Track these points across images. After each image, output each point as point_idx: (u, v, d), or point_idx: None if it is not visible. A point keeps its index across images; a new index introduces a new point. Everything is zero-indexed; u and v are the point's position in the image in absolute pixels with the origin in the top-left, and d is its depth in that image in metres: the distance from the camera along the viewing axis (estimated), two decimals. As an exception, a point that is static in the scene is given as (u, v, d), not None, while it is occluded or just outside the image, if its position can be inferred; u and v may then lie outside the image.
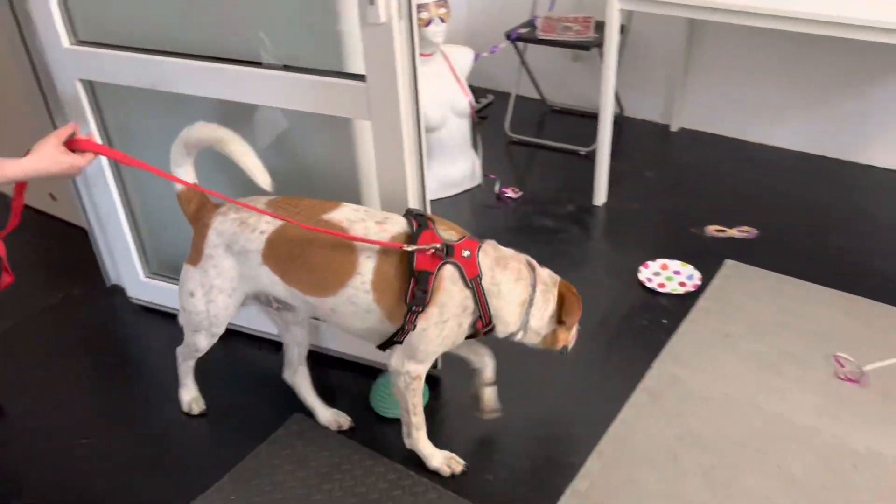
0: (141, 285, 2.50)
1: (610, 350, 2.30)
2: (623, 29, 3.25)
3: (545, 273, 1.78)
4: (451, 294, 1.65)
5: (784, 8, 2.36)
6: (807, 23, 2.33)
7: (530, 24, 3.37)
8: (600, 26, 3.01)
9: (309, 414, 2.06)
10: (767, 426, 1.99)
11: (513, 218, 3.01)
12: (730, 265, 2.63)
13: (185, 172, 1.80)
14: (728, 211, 2.89)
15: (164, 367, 2.17)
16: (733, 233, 2.77)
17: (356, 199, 2.02)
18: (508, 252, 1.76)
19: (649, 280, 2.55)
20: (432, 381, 2.17)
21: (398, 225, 1.69)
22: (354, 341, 2.12)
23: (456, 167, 3.06)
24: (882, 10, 2.28)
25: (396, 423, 1.98)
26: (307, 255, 1.69)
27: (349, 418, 2.06)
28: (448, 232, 1.71)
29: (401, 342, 1.71)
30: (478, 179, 3.19)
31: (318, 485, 1.87)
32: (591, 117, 3.06)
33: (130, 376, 2.32)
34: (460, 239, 1.70)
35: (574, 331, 1.88)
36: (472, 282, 1.66)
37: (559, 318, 1.78)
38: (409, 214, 1.72)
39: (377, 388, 2.11)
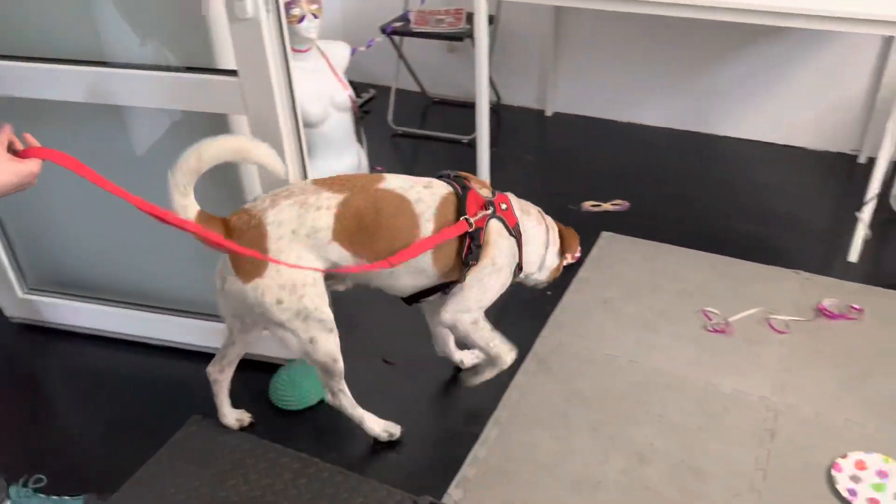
0: (19, 303, 2.40)
1: (500, 324, 2.39)
2: (492, 19, 3.38)
3: (548, 218, 2.03)
4: (500, 246, 1.83)
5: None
6: (662, 5, 2.50)
7: (404, 17, 3.45)
8: (471, 17, 3.11)
9: (208, 414, 2.05)
10: (647, 379, 2.14)
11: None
12: (606, 236, 2.79)
13: (192, 201, 1.62)
14: (602, 187, 3.06)
15: (52, 383, 2.11)
16: (607, 206, 2.94)
17: (240, 196, 2.02)
18: (524, 201, 1.97)
19: (533, 256, 2.67)
20: (331, 369, 2.21)
21: (442, 188, 1.80)
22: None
23: (342, 162, 3.08)
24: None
25: (297, 414, 2.01)
26: (375, 227, 1.73)
27: (249, 414, 2.06)
28: (483, 189, 1.85)
29: (446, 293, 1.88)
30: (365, 172, 3.24)
31: (222, 482, 1.87)
32: (471, 107, 3.15)
33: (14, 397, 2.23)
34: (494, 194, 1.86)
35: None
36: (515, 230, 1.86)
37: (562, 251, 2.04)
38: (445, 177, 1.83)
39: (276, 382, 2.12)
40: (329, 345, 1.77)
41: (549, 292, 2.51)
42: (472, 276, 1.82)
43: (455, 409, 2.13)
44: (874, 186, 2.41)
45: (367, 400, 2.08)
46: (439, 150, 3.51)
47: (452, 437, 2.00)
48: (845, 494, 1.77)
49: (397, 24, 3.37)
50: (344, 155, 3.16)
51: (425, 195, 1.76)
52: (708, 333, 2.31)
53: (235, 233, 1.66)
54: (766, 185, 3.12)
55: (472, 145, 3.28)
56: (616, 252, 2.71)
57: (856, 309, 2.36)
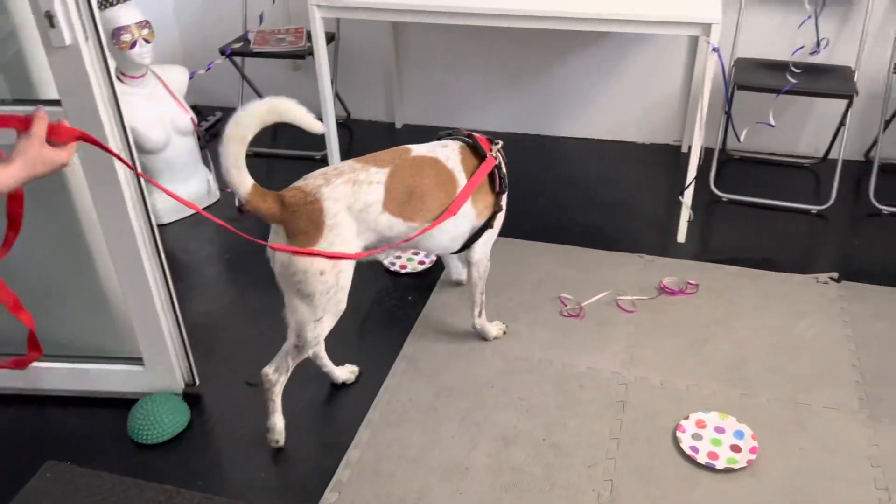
0: None
1: (367, 333, 2.44)
2: (333, 36, 3.43)
3: None
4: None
5: (469, 6, 2.65)
6: (489, 17, 2.64)
7: (244, 38, 3.42)
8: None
9: (63, 459, 1.94)
10: (510, 366, 2.25)
11: (258, 227, 3.03)
12: (463, 238, 2.90)
13: (246, 174, 1.73)
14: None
15: None
16: (461, 209, 3.05)
17: (79, 235, 1.95)
18: None
19: (392, 264, 2.73)
20: (193, 399, 2.15)
21: (455, 143, 2.05)
22: (92, 377, 2.06)
23: (189, 186, 3.02)
24: (555, 1, 2.65)
25: (159, 447, 1.96)
26: (423, 190, 1.92)
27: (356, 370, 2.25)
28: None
29: (478, 238, 2.13)
30: (216, 196, 3.18)
31: (84, 524, 1.78)
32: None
33: None
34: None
35: None
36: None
37: None
38: (449, 135, 2.09)
39: (134, 416, 2.05)
40: (325, 329, 1.91)
41: (409, 297, 2.58)
42: (498, 219, 2.16)
43: (328, 421, 2.13)
44: (691, 172, 2.65)
45: (237, 425, 2.05)
46: (292, 168, 3.48)
47: (327, 447, 2.00)
48: (689, 452, 1.93)
49: (237, 45, 3.34)
50: (190, 179, 3.10)
51: (449, 153, 2.00)
52: (563, 318, 2.45)
53: (290, 208, 1.78)
54: (604, 178, 3.34)
55: (324, 161, 3.30)
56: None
57: (692, 284, 2.58)
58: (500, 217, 2.17)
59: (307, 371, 2.24)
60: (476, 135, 2.09)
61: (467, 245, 2.15)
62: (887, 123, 3.00)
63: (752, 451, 1.93)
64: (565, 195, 3.20)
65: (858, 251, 2.78)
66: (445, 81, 3.70)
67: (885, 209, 2.96)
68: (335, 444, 2.00)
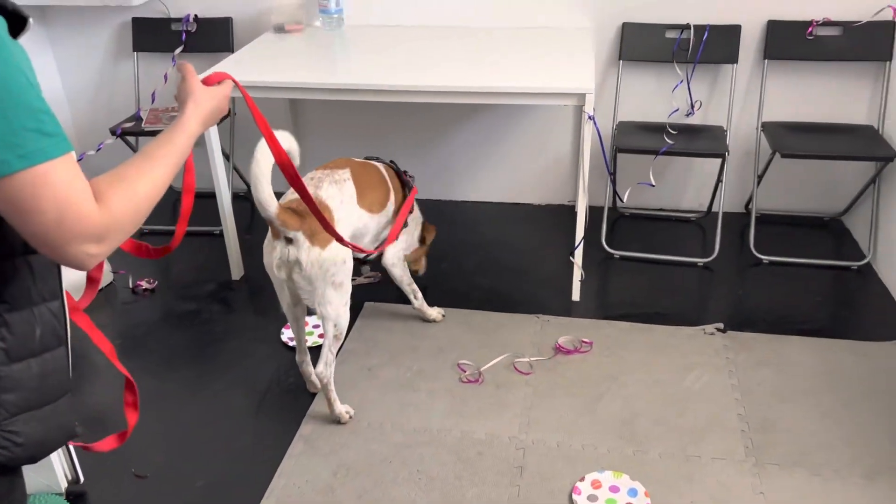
0: None
1: (264, 414, 2.39)
2: (229, 112, 3.44)
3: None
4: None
5: (354, 82, 2.72)
6: (375, 92, 2.69)
7: (136, 117, 3.39)
8: (205, 112, 3.14)
9: None
10: (408, 439, 2.24)
11: (153, 308, 2.97)
12: (368, 307, 2.91)
13: (273, 199, 2.04)
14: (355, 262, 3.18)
15: None
16: (361, 280, 3.06)
17: None
18: None
19: (291, 339, 2.70)
20: (76, 498, 2.06)
21: (380, 162, 2.60)
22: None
23: (72, 272, 2.93)
24: (445, 75, 2.74)
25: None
26: (371, 183, 2.40)
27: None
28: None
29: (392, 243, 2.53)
30: (109, 278, 3.10)
31: None
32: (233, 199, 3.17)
33: None
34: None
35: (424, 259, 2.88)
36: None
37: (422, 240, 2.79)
38: (374, 158, 2.60)
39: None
40: (348, 315, 2.27)
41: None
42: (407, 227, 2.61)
43: (222, 508, 2.07)
44: (579, 233, 2.75)
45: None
46: (193, 245, 3.44)
47: (219, 538, 1.94)
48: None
49: (128, 125, 3.31)
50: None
51: (379, 165, 2.53)
52: (463, 384, 2.47)
53: (305, 214, 2.08)
54: (502, 240, 3.42)
55: (222, 235, 3.27)
56: (377, 320, 2.82)
57: (586, 342, 2.65)
58: (409, 235, 2.69)
59: (196, 464, 2.18)
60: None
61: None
62: (760, 178, 3.20)
63: (646, 508, 1.97)
64: (466, 259, 3.26)
65: (742, 301, 2.92)
66: (343, 152, 3.73)
67: (765, 259, 3.13)
68: (228, 535, 1.94)
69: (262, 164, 1.96)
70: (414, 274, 2.78)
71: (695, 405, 2.34)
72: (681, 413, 2.31)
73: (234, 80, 1.43)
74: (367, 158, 2.55)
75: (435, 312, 2.80)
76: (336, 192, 2.22)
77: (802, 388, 2.40)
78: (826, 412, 2.29)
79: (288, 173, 1.63)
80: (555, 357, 2.58)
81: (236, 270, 3.12)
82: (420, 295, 2.75)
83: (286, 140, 1.97)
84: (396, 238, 2.51)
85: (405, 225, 2.57)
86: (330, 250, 2.12)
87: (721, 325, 2.71)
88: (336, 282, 2.16)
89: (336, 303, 2.19)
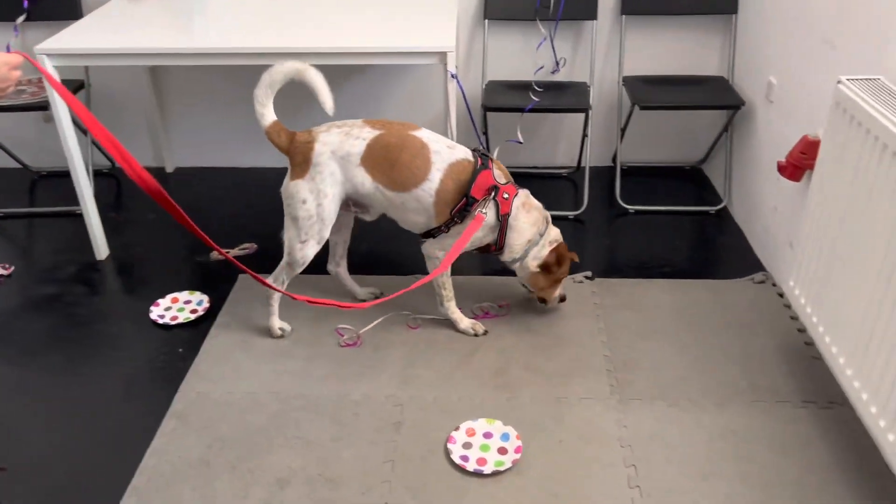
0: None
1: (133, 394, 2.32)
2: (83, 84, 3.26)
3: (554, 231, 2.46)
4: (485, 222, 2.31)
5: (218, 46, 2.62)
6: (245, 56, 2.60)
7: (-23, 92, 3.16)
8: (54, 84, 2.96)
9: None
10: (285, 406, 2.23)
11: (10, 295, 2.81)
12: (242, 279, 2.84)
13: (269, 111, 2.29)
14: (229, 234, 3.11)
15: None
16: (236, 252, 3.00)
17: None
18: (536, 203, 2.43)
19: (161, 317, 2.62)
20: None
21: (463, 153, 2.32)
22: None
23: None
24: (307, 37, 2.69)
25: None
26: (396, 159, 2.26)
27: (378, 290, 2.70)
28: (499, 173, 2.35)
29: (434, 237, 2.39)
30: (-41, 266, 2.90)
31: None
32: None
33: None
34: (506, 183, 2.35)
35: (558, 292, 2.54)
36: (502, 218, 2.34)
37: (546, 267, 2.44)
38: (476, 151, 2.34)
39: None
40: (310, 252, 2.37)
41: (180, 349, 2.49)
42: (455, 229, 2.34)
43: (86, 498, 1.99)
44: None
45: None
46: (52, 226, 3.27)
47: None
48: (459, 462, 2.02)
49: (-32, 100, 3.08)
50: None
51: (445, 152, 2.30)
52: (342, 349, 2.47)
53: (294, 145, 2.28)
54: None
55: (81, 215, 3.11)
56: (252, 293, 2.76)
57: (503, 305, 2.66)
58: (459, 229, 2.34)
59: (63, 452, 2.10)
60: (491, 169, 2.33)
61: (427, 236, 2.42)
62: (623, 131, 3.33)
63: (517, 450, 2.04)
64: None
65: (610, 249, 3.04)
66: (213, 121, 3.63)
67: (631, 209, 3.27)
68: (97, 519, 1.88)
69: (275, 73, 2.20)
70: (541, 301, 2.58)
71: (564, 350, 2.44)
72: (550, 358, 2.40)
73: (25, 56, 1.55)
74: (474, 150, 2.35)
75: (467, 323, 2.53)
76: (337, 141, 2.26)
77: (662, 327, 2.54)
78: (683, 348, 2.44)
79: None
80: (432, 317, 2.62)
81: (100, 250, 2.98)
82: (450, 302, 2.51)
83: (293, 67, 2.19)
84: (457, 253, 2.27)
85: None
86: (294, 185, 2.28)
87: (589, 273, 2.83)
88: (291, 215, 2.32)
89: (290, 235, 2.35)
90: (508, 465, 2.00)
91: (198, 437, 2.12)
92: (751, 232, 3.04)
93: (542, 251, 2.43)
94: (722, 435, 2.10)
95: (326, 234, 2.37)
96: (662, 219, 3.23)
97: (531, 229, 2.40)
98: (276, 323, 2.51)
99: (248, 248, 3.02)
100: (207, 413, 2.21)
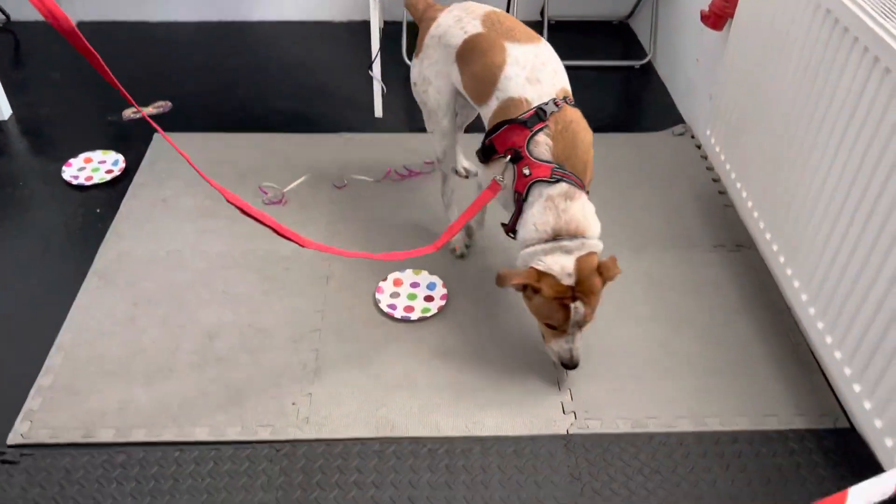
0: None
1: (51, 256, 2.26)
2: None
3: (569, 263, 1.72)
4: (499, 192, 1.86)
5: None
6: None
7: None
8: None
9: None
10: (211, 264, 2.22)
11: None
12: (159, 138, 2.74)
13: None
14: (141, 91, 2.95)
15: None
16: (150, 110, 2.87)
17: None
18: (576, 209, 1.76)
19: (75, 177, 2.52)
20: None
21: (535, 94, 1.81)
22: None
23: None
24: None
25: None
26: (473, 68, 1.91)
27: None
28: (547, 146, 1.77)
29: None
30: None
31: None
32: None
33: None
34: (549, 162, 1.77)
35: (553, 343, 1.82)
36: (516, 195, 1.83)
37: (524, 286, 1.77)
38: (554, 102, 1.80)
39: None
40: (437, 145, 2.17)
41: (98, 210, 2.42)
42: (484, 172, 1.95)
43: (8, 358, 1.97)
44: (374, 45, 2.70)
45: None
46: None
47: (11, 383, 1.87)
48: (387, 310, 2.07)
49: None
50: None
51: (517, 82, 1.82)
52: (266, 207, 2.45)
53: (423, 17, 2.08)
54: (303, 61, 3.29)
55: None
56: (170, 151, 2.67)
57: (428, 163, 2.64)
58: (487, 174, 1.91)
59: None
60: (540, 164, 1.76)
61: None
62: (551, -17, 3.24)
63: (443, 298, 2.11)
64: (264, 83, 3.12)
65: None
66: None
67: (558, 64, 3.24)
68: (22, 377, 1.87)
69: None
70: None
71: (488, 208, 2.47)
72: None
73: None
74: (560, 99, 1.81)
75: (458, 238, 2.24)
76: (447, 24, 1.99)
77: (586, 180, 2.59)
78: (605, 201, 2.50)
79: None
80: (382, 180, 2.58)
81: (2, 110, 2.81)
82: (452, 209, 2.30)
83: None
84: (460, 225, 1.89)
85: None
86: (413, 66, 2.11)
87: (516, 129, 2.82)
88: (419, 101, 2.14)
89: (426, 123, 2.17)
90: (435, 311, 2.07)
91: (122, 294, 2.11)
92: (674, 85, 3.07)
93: (534, 260, 1.75)
94: (636, 279, 2.21)
95: (445, 125, 2.11)
96: (588, 74, 3.22)
97: (531, 229, 1.79)
98: (457, 237, 2.23)
99: (163, 106, 2.89)
100: (131, 271, 2.18)
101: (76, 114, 2.90)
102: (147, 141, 2.72)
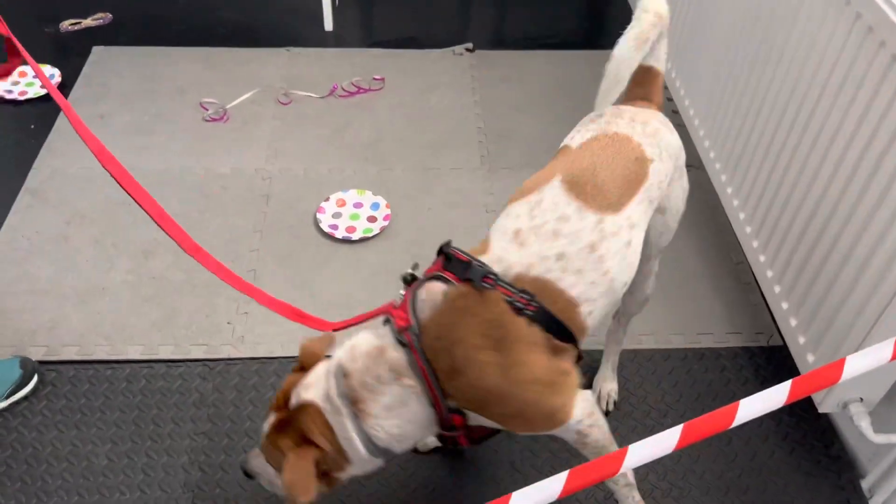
0: None
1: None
2: None
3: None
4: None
5: None
6: None
7: None
8: None
9: None
10: (147, 181, 2.10)
11: None
12: (97, 51, 2.63)
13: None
14: (79, 3, 2.81)
15: None
16: (89, 22, 2.74)
17: None
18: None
19: (9, 92, 2.43)
20: None
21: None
22: None
23: None
24: None
25: None
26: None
27: None
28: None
29: None
30: None
31: None
32: None
33: None
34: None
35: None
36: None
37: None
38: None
39: None
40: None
41: (32, 126, 2.33)
42: None
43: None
44: (321, -49, 2.58)
45: None
46: None
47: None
48: (328, 230, 2.04)
49: None
50: None
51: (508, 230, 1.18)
52: (206, 123, 2.37)
53: None
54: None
55: None
56: (108, 66, 2.57)
57: (377, 79, 2.55)
58: None
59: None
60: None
61: None
62: None
63: (386, 218, 2.08)
64: (208, -6, 2.98)
65: (494, 21, 2.94)
66: None
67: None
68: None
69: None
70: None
71: (437, 123, 2.42)
72: (423, 131, 2.38)
73: None
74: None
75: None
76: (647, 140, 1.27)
77: (540, 99, 2.53)
78: (558, 118, 2.45)
79: None
80: (328, 97, 2.50)
81: (-71, 19, 2.66)
82: None
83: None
84: None
85: None
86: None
87: (470, 45, 2.74)
88: None
89: None
90: (377, 231, 2.05)
91: (56, 212, 2.05)
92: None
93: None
94: (583, 199, 2.19)
95: None
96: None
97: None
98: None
99: (102, 17, 2.76)
100: (65, 189, 2.12)
101: (11, 24, 2.74)
102: (85, 55, 2.60)
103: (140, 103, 2.41)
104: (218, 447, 1.57)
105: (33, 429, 1.59)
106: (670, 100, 2.51)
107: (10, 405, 1.61)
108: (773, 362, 1.79)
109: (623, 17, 3.00)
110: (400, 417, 1.14)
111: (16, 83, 2.45)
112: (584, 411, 1.19)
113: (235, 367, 1.72)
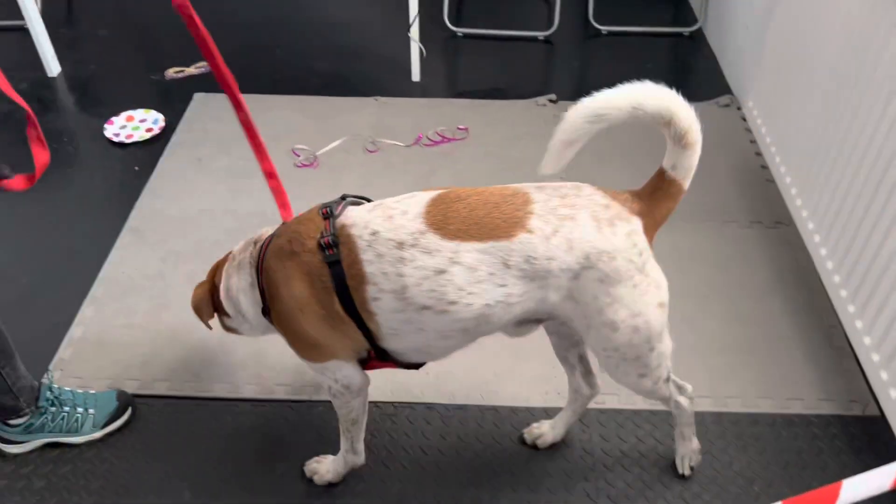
0: None
1: (89, 210, 2.33)
2: None
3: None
4: None
5: None
6: None
7: None
8: None
9: None
10: (241, 223, 2.25)
11: None
12: (198, 98, 2.78)
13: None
14: (183, 52, 2.99)
15: None
16: (191, 70, 2.90)
17: None
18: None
19: (116, 135, 2.58)
20: None
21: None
22: None
23: None
24: None
25: None
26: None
27: None
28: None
29: None
30: None
31: None
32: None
33: None
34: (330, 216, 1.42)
35: None
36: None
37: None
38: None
39: None
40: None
41: (136, 168, 2.47)
42: None
43: (45, 308, 2.03)
44: (413, 7, 2.66)
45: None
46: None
47: (46, 333, 1.93)
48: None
49: None
50: None
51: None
52: (298, 169, 2.46)
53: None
54: (341, 22, 3.27)
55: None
56: (208, 111, 2.71)
57: (462, 129, 2.61)
58: None
59: (21, 264, 2.14)
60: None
61: None
62: (599, -55, 3.13)
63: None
64: (302, 44, 3.12)
65: (578, 72, 2.96)
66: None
67: (604, 29, 3.15)
68: (55, 326, 1.94)
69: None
70: None
71: (520, 172, 2.42)
72: (505, 180, 2.34)
73: None
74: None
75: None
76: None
77: (621, 149, 2.51)
78: (638, 169, 2.41)
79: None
80: (413, 146, 2.57)
81: (51, 66, 2.88)
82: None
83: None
84: None
85: None
86: None
87: (553, 97, 2.77)
88: None
89: None
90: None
91: (153, 250, 2.16)
92: (723, 54, 2.95)
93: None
94: (667, 253, 2.14)
95: None
96: (636, 41, 3.12)
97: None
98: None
99: (204, 66, 2.92)
100: (163, 229, 2.23)
101: (121, 72, 2.96)
102: (187, 101, 2.76)
103: (236, 148, 2.52)
104: (299, 489, 1.60)
105: (124, 460, 1.65)
106: (759, 154, 2.47)
107: (105, 436, 1.69)
108: (869, 433, 1.69)
109: (710, 68, 2.99)
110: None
111: (123, 126, 2.61)
112: (333, 375, 1.39)
113: (317, 409, 1.75)
